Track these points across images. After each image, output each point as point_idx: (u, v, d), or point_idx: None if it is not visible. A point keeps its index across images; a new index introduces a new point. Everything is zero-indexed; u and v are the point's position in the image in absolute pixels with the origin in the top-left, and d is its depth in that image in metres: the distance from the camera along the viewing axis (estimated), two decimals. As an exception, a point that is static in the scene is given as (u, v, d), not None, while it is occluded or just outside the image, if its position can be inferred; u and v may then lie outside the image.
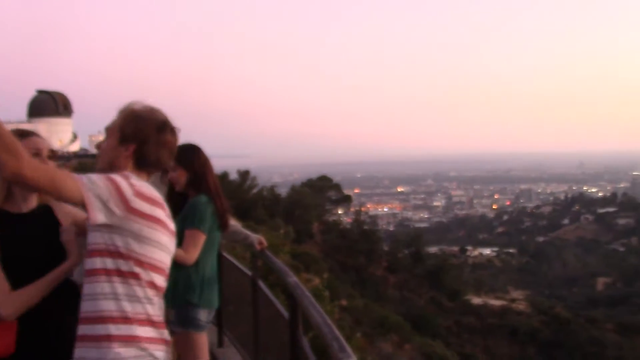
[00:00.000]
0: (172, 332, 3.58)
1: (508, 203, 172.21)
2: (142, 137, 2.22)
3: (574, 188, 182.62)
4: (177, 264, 3.47)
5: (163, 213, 2.18)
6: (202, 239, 3.64)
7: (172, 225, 2.27)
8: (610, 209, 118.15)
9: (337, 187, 53.97)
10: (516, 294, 67.30)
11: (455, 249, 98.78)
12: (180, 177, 3.72)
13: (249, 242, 4.43)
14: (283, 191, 54.11)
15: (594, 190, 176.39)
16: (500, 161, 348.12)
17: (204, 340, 3.71)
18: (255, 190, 43.76)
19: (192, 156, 3.74)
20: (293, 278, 3.65)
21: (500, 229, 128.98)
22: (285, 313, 3.92)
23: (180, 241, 3.58)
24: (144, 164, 2.25)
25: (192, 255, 3.60)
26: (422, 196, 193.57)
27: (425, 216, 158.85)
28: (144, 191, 2.11)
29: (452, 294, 47.70)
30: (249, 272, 5.19)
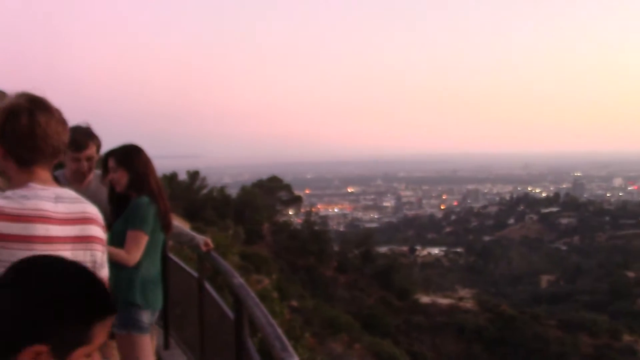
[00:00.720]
0: (113, 335, 3.54)
1: (455, 203, 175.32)
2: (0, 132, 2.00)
3: (519, 188, 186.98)
4: (119, 265, 3.45)
5: (43, 227, 1.95)
6: (144, 240, 3.61)
7: (65, 232, 2.02)
8: (554, 209, 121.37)
9: (287, 187, 53.93)
10: (464, 292, 68.52)
11: (405, 248, 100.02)
12: (121, 178, 3.68)
13: (194, 244, 4.41)
14: (233, 192, 53.71)
15: (538, 190, 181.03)
16: (448, 162, 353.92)
17: (147, 342, 3.67)
18: (205, 191, 43.38)
19: (133, 157, 3.70)
20: (238, 279, 3.65)
21: (448, 229, 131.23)
22: (231, 314, 3.91)
23: (123, 242, 3.57)
24: (23, 161, 2.01)
25: (134, 256, 3.57)
26: (372, 197, 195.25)
27: (375, 216, 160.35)
28: (6, 210, 1.90)
29: (402, 294, 48.22)
30: (195, 274, 5.16)
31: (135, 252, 3.57)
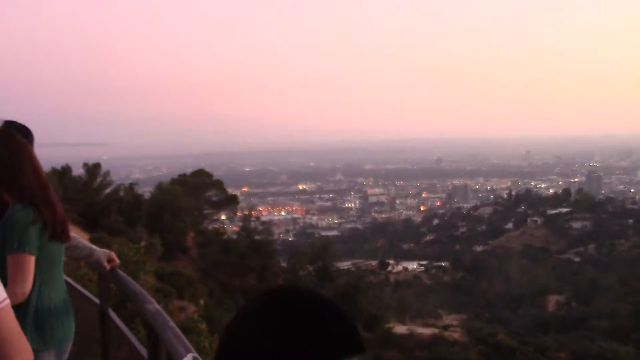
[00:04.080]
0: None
1: (438, 204, 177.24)
2: None
3: (519, 183, 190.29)
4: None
5: None
6: (31, 262, 3.45)
7: None
8: (563, 210, 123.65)
9: (218, 184, 53.67)
10: (449, 318, 69.34)
11: (373, 263, 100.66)
12: None
13: (94, 260, 4.33)
14: (146, 191, 53.15)
15: (543, 186, 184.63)
16: (428, 150, 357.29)
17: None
18: (108, 190, 42.86)
19: None
20: (153, 305, 3.64)
21: (429, 237, 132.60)
22: (145, 351, 3.90)
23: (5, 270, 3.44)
24: None
25: (23, 287, 3.42)
26: (330, 196, 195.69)
27: (335, 221, 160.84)
28: None
29: (370, 321, 48.44)
30: (97, 300, 5.12)
31: (22, 282, 3.42)
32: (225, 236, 52.19)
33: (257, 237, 51.24)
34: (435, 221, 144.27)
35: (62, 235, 3.64)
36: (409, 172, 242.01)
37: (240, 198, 66.35)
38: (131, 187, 46.73)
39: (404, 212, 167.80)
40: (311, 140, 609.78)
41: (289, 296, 1.42)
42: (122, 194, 44.24)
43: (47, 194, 3.58)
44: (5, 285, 3.07)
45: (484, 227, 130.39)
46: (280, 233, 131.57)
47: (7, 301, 2.34)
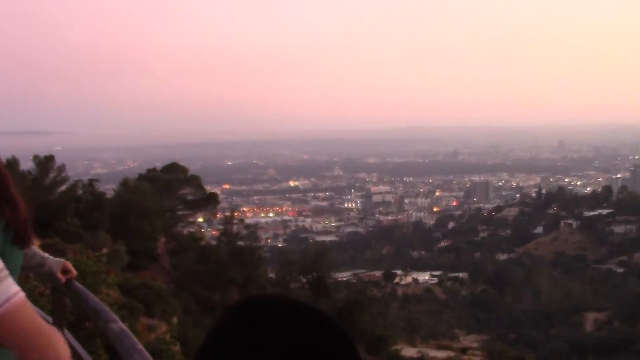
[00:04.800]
0: None
1: (454, 203, 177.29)
2: None
3: (550, 180, 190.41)
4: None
5: None
6: None
7: None
8: (603, 211, 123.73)
9: (194, 181, 53.66)
10: (468, 340, 69.45)
11: (378, 274, 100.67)
12: None
13: (46, 271, 4.28)
14: (109, 188, 53.12)
15: (579, 183, 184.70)
16: (442, 140, 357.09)
17: None
18: (63, 188, 42.76)
19: None
20: (117, 324, 3.61)
21: (443, 243, 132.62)
22: (107, 380, 3.89)
23: None
24: None
25: None
26: (327, 194, 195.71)
27: (332, 224, 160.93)
28: None
29: (374, 343, 48.47)
30: (49, 318, 5.09)
31: None
32: (203, 242, 52.18)
33: (240, 243, 51.21)
34: (451, 224, 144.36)
35: (24, 239, 3.55)
36: (420, 166, 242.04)
37: (221, 197, 66.38)
38: (91, 183, 46.60)
39: (414, 213, 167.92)
40: (304, 129, 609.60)
41: (265, 307, 1.41)
42: (80, 192, 44.11)
43: (7, 189, 3.50)
44: None
45: (508, 231, 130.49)
46: (268, 238, 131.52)
47: (21, 294, 2.57)
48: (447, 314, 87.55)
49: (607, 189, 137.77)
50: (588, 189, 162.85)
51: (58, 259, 4.40)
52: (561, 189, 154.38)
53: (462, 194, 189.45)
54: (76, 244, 26.37)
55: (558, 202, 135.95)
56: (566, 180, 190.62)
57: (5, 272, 2.85)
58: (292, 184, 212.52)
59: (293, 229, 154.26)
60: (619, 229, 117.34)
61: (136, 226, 43.49)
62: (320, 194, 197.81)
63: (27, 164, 42.02)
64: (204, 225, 58.09)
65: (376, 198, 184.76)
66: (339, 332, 1.42)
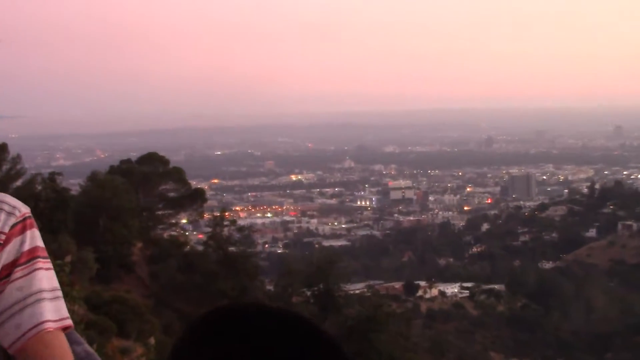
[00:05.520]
0: None
1: (489, 201, 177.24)
2: None
3: (605, 173, 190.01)
4: None
5: None
6: None
7: None
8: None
9: (177, 174, 53.75)
10: (506, 365, 69.41)
11: (397, 285, 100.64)
12: None
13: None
14: (74, 183, 53.18)
15: None
16: (474, 125, 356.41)
17: None
18: (19, 183, 42.92)
19: None
20: (83, 346, 3.54)
21: (475, 249, 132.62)
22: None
23: None
24: None
25: None
26: (336, 190, 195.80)
27: (342, 226, 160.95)
28: None
29: (392, 369, 48.56)
30: (0, 339, 5.00)
31: None
32: (188, 247, 52.23)
33: (232, 248, 51.26)
34: (485, 226, 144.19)
35: None
36: (448, 156, 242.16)
37: (209, 193, 66.53)
38: (52, 178, 46.57)
39: (441, 213, 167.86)
40: (309, 112, 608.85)
41: (232, 321, 1.41)
42: (39, 187, 44.18)
43: None
44: None
45: (554, 234, 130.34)
46: (265, 243, 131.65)
47: (67, 322, 2.80)
48: (480, 334, 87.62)
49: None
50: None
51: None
52: (618, 183, 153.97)
53: (498, 189, 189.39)
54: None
55: (615, 199, 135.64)
56: (625, 173, 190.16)
57: (50, 294, 2.95)
58: (294, 178, 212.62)
59: (295, 231, 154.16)
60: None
61: (107, 229, 43.55)
62: (328, 190, 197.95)
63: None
64: (188, 228, 58.13)
65: (395, 195, 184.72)
66: (328, 345, 1.43)
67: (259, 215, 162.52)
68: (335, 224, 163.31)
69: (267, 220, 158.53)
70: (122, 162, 54.03)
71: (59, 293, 3.12)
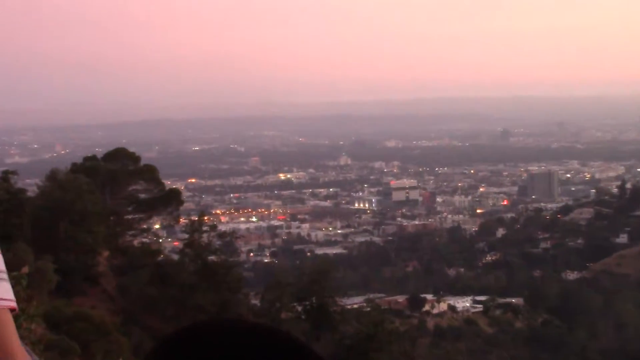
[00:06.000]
0: None
1: (505, 203, 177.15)
2: None
3: (638, 170, 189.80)
4: None
5: None
6: None
7: None
8: None
9: (149, 173, 53.71)
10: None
11: (400, 299, 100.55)
12: None
13: None
14: (31, 183, 53.11)
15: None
16: (488, 116, 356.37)
17: None
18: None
19: None
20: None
21: (490, 257, 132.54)
22: None
23: None
24: None
25: None
26: (331, 191, 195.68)
27: (338, 232, 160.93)
28: None
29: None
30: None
31: None
32: (161, 257, 52.18)
33: (212, 257, 51.17)
34: (500, 231, 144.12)
35: None
36: (458, 152, 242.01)
37: (185, 195, 66.52)
38: (5, 177, 46.53)
39: (450, 216, 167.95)
40: (300, 102, 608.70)
41: (214, 334, 1.43)
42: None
43: None
44: None
45: (579, 241, 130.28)
46: (250, 251, 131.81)
47: (11, 304, 3.11)
48: (496, 354, 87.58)
49: None
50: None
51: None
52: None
53: (515, 189, 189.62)
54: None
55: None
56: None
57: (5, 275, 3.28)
58: (282, 176, 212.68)
59: (284, 238, 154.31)
60: None
61: (69, 235, 43.47)
62: (321, 190, 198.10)
63: None
64: (162, 234, 58.13)
65: (397, 196, 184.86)
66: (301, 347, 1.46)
67: (242, 219, 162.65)
68: (330, 229, 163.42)
69: (252, 225, 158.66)
70: (86, 159, 53.93)
71: (5, 275, 3.43)
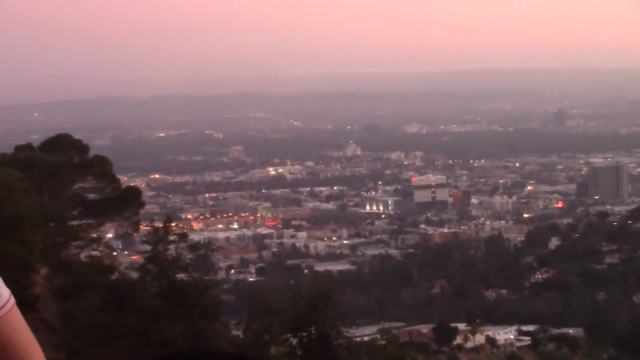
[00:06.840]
0: None
1: (560, 205, 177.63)
2: None
3: None
4: None
5: None
6: None
7: None
8: None
9: (100, 166, 53.87)
10: None
11: (425, 329, 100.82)
12: None
13: None
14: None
15: None
16: (537, 93, 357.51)
17: None
18: None
19: None
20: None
21: (540, 275, 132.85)
22: None
23: None
24: None
25: None
26: (335, 189, 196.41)
27: (344, 242, 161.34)
28: None
29: None
30: None
31: None
32: (116, 275, 52.30)
33: (181, 275, 51.27)
34: (554, 242, 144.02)
35: None
36: (499, 139, 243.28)
37: (148, 195, 66.72)
38: None
39: (489, 222, 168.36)
40: (296, 74, 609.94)
41: None
42: None
43: None
44: None
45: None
46: (230, 267, 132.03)
47: (13, 301, 3.57)
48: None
49: None
50: None
51: None
52: None
53: (573, 187, 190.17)
54: None
55: None
56: None
57: None
58: (272, 171, 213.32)
59: (275, 250, 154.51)
60: None
61: (-2, 247, 43.55)
62: (323, 188, 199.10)
63: None
64: (117, 245, 58.36)
65: (421, 196, 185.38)
66: None
67: (220, 226, 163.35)
68: (334, 238, 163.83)
69: (232, 234, 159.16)
70: (19, 148, 54.06)
71: None
